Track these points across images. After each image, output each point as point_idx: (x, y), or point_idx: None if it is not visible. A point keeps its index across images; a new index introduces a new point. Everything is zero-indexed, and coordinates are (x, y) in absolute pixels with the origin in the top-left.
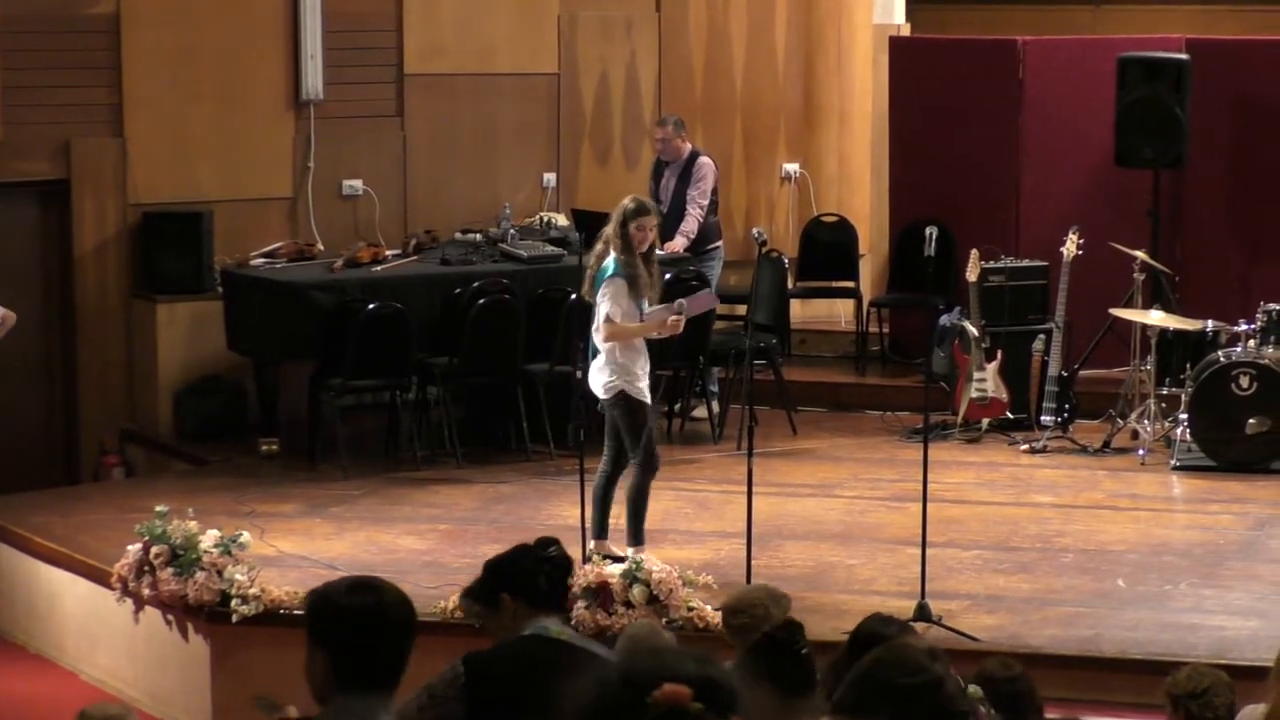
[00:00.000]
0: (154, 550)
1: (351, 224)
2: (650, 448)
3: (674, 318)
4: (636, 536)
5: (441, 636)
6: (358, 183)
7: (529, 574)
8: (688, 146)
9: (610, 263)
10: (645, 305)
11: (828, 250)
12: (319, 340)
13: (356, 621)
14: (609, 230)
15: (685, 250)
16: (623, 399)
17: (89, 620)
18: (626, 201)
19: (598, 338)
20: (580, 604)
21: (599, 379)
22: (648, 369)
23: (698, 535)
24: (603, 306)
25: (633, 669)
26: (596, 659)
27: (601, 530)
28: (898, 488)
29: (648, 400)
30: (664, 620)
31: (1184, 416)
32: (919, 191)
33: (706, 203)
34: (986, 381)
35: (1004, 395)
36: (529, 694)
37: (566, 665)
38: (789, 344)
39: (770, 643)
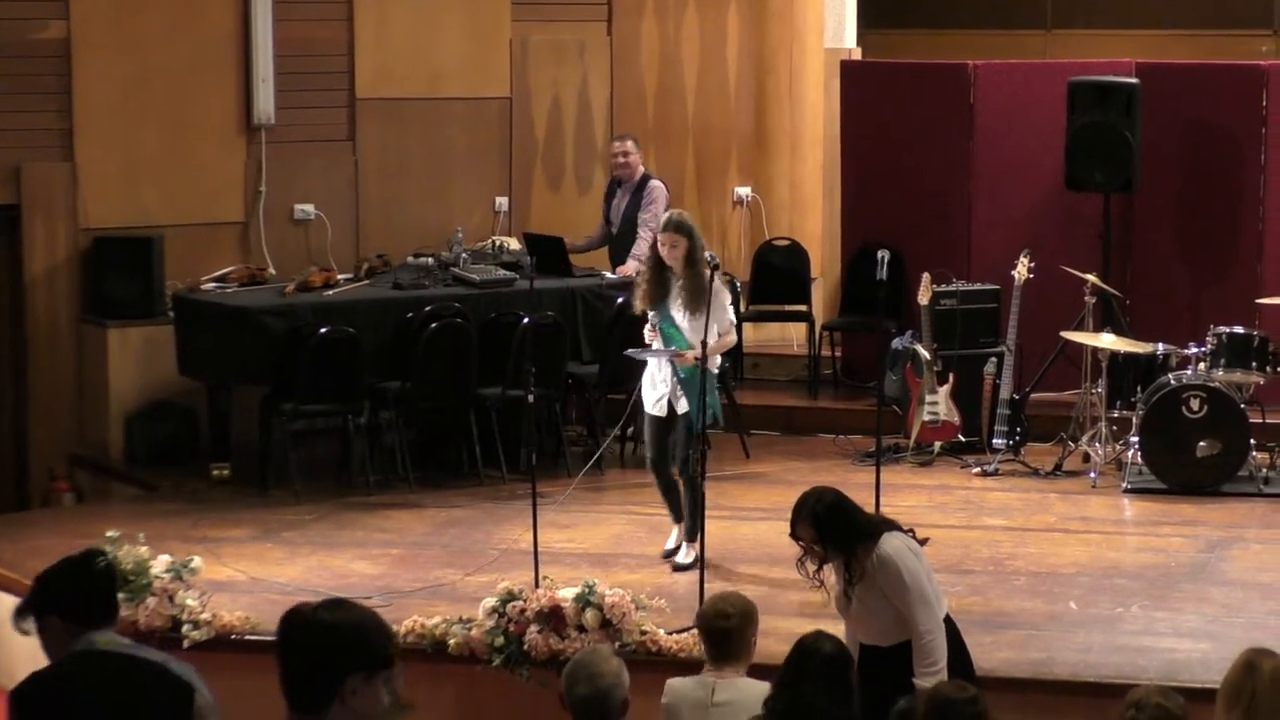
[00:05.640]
0: None
1: (303, 248)
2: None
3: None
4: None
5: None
6: (309, 207)
7: (71, 592)
8: (641, 168)
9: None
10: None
11: (780, 274)
12: (271, 365)
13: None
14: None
15: (637, 274)
16: None
17: (39, 647)
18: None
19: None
20: (533, 628)
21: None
22: (653, 378)
23: (651, 559)
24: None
25: None
26: (152, 666)
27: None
28: None
29: (647, 409)
30: (617, 644)
31: (1135, 439)
32: (870, 215)
33: (658, 226)
34: (938, 405)
35: (956, 418)
36: (82, 711)
37: (114, 677)
38: (742, 368)
39: None
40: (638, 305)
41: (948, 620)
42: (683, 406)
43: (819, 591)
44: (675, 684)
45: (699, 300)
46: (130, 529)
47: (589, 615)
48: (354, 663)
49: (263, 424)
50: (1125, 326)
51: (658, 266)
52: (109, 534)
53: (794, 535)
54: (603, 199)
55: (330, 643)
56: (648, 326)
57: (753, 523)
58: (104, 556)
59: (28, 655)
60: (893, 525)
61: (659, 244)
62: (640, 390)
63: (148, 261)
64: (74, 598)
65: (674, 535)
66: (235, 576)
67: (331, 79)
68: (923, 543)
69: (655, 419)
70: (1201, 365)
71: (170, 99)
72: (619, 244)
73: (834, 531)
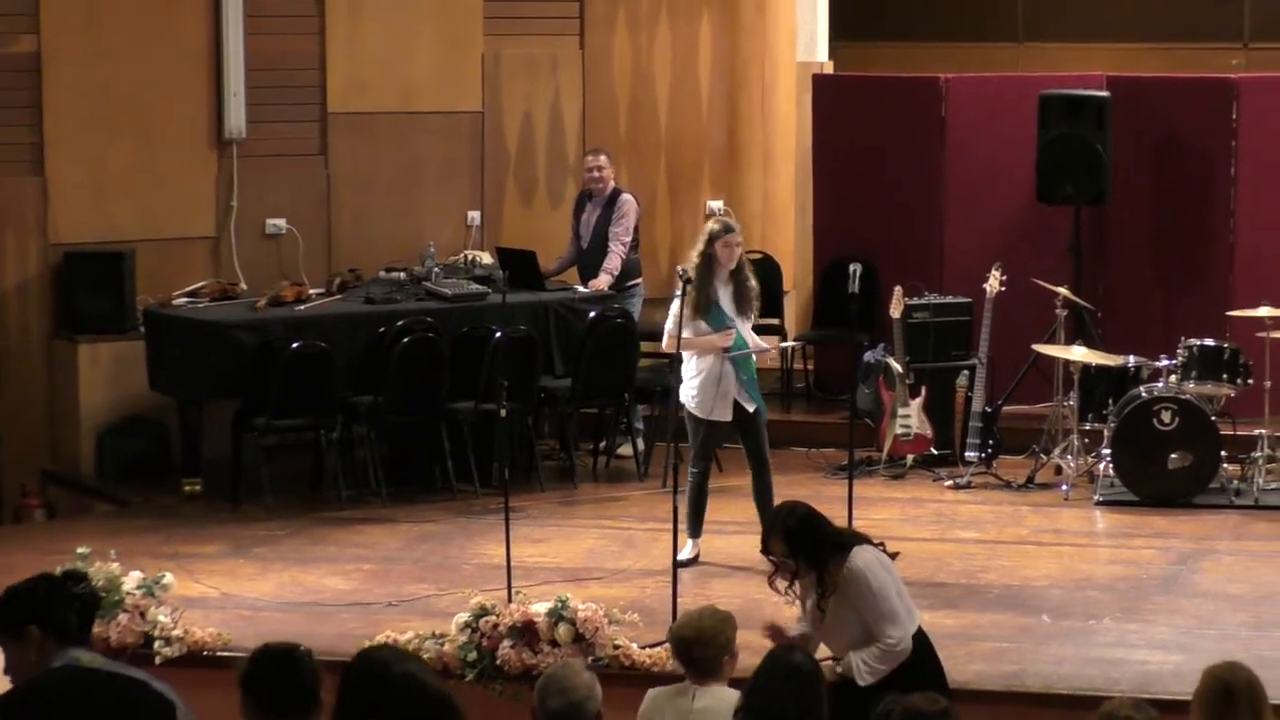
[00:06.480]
0: None
1: (275, 263)
2: (701, 453)
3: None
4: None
5: None
6: (281, 221)
7: (59, 608)
8: (612, 182)
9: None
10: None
11: None
12: (243, 379)
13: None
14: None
15: (609, 288)
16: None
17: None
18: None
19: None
20: (506, 643)
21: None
22: (718, 384)
23: (624, 573)
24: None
25: None
26: (135, 684)
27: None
28: None
29: (708, 416)
30: (589, 659)
31: (1107, 452)
32: (843, 228)
33: (629, 240)
34: (911, 418)
35: (928, 431)
36: None
37: (100, 692)
38: None
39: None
40: (684, 313)
41: (920, 633)
42: (752, 405)
43: (793, 605)
44: (655, 693)
45: (749, 300)
46: (102, 545)
47: (562, 630)
48: (370, 708)
49: (234, 439)
50: (1097, 339)
51: (706, 276)
52: (80, 550)
53: (765, 551)
54: (571, 213)
55: (363, 678)
56: (719, 334)
57: (726, 536)
58: (86, 579)
59: None
60: (863, 539)
61: (718, 247)
62: (689, 400)
63: (119, 277)
64: (61, 611)
65: (690, 546)
66: (207, 592)
67: (303, 93)
68: (893, 556)
69: (716, 424)
70: (1173, 378)
71: (141, 113)
72: (589, 258)
73: (805, 545)
